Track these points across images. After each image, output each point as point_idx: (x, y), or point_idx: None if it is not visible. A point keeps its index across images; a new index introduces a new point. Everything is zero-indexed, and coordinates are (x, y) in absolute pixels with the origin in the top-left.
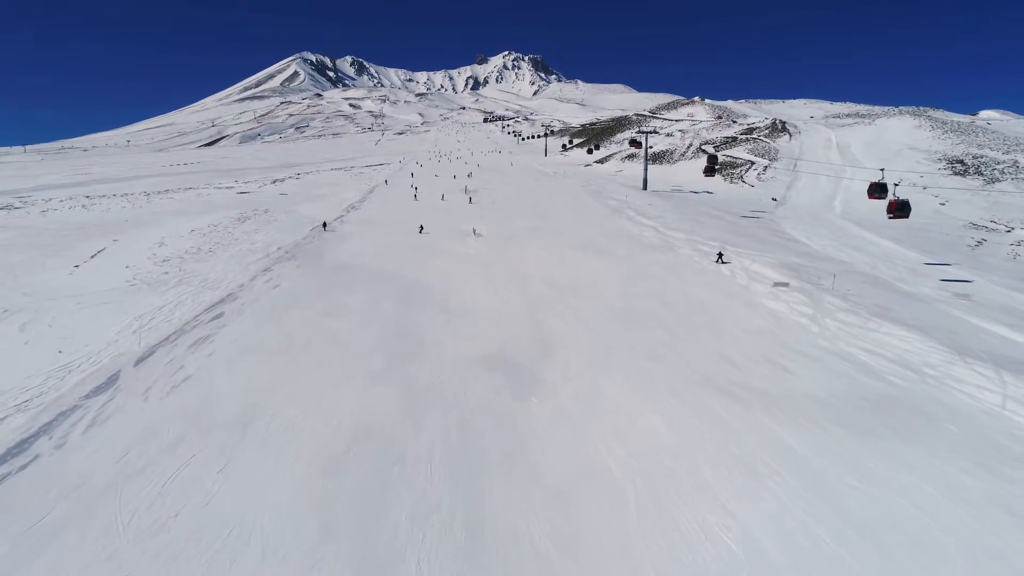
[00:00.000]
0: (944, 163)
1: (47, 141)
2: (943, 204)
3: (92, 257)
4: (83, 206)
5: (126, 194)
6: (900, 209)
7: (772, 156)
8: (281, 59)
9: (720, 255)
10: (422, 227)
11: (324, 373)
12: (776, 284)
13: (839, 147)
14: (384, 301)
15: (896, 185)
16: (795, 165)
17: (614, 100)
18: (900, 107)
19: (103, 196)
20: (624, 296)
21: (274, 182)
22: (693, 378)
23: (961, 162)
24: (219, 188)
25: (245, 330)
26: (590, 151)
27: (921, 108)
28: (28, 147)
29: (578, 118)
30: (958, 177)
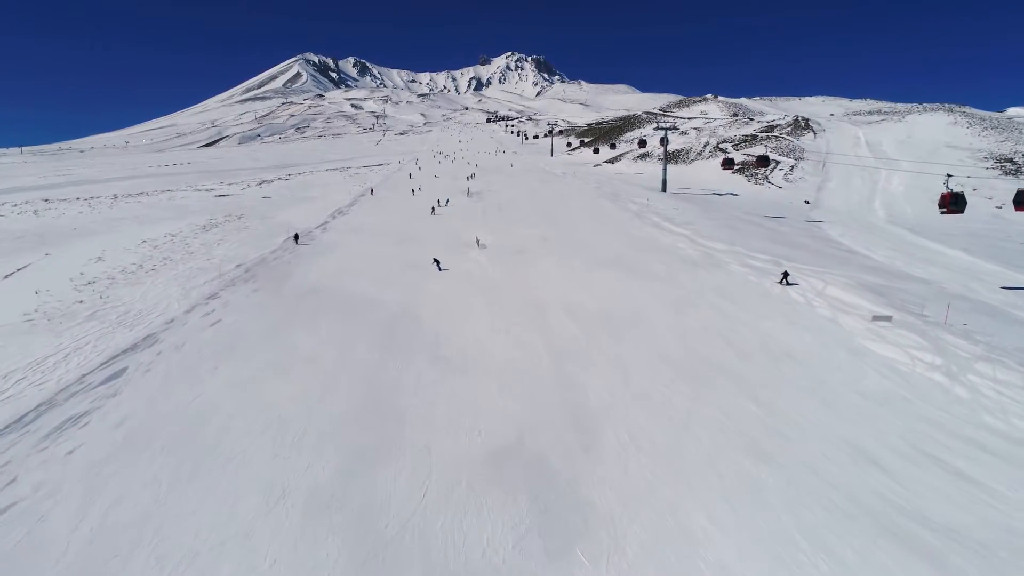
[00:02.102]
0: (992, 162)
1: (51, 143)
2: (1000, 207)
3: (5, 277)
4: (35, 212)
5: (93, 197)
6: (954, 203)
7: (798, 155)
8: (284, 60)
9: (785, 275)
10: (438, 262)
11: (234, 496)
12: (876, 318)
13: (869, 145)
14: (356, 345)
15: (950, 177)
16: (824, 165)
17: (618, 100)
18: (924, 104)
19: (64, 200)
20: (678, 335)
21: (260, 184)
22: (835, 502)
23: (1011, 161)
24: (198, 190)
25: (143, 401)
26: (596, 151)
27: (946, 104)
28: (26, 148)
29: (583, 118)
30: (1010, 177)
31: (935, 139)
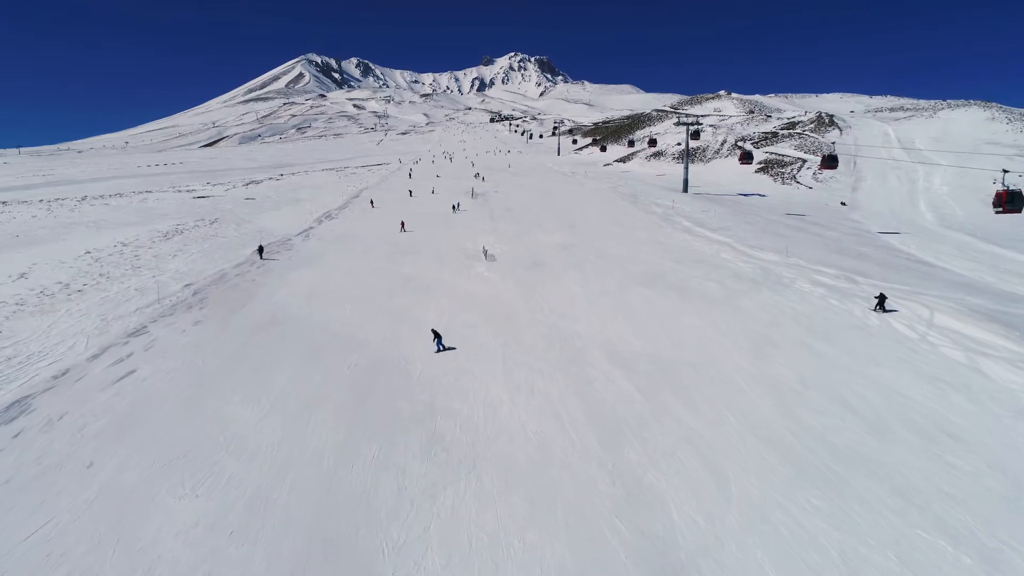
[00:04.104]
0: None
1: (53, 143)
2: None
3: None
4: None
5: (57, 199)
6: (1011, 202)
7: (825, 153)
8: (286, 61)
9: (881, 299)
10: (439, 337)
11: None
12: None
13: (900, 142)
14: (315, 415)
15: (1006, 173)
16: (855, 163)
17: (622, 100)
18: (950, 100)
19: (24, 203)
20: (772, 394)
21: (247, 184)
22: None
23: None
24: (178, 192)
25: None
26: (604, 149)
27: (973, 100)
28: (24, 149)
29: (588, 117)
30: None
31: (974, 136)
